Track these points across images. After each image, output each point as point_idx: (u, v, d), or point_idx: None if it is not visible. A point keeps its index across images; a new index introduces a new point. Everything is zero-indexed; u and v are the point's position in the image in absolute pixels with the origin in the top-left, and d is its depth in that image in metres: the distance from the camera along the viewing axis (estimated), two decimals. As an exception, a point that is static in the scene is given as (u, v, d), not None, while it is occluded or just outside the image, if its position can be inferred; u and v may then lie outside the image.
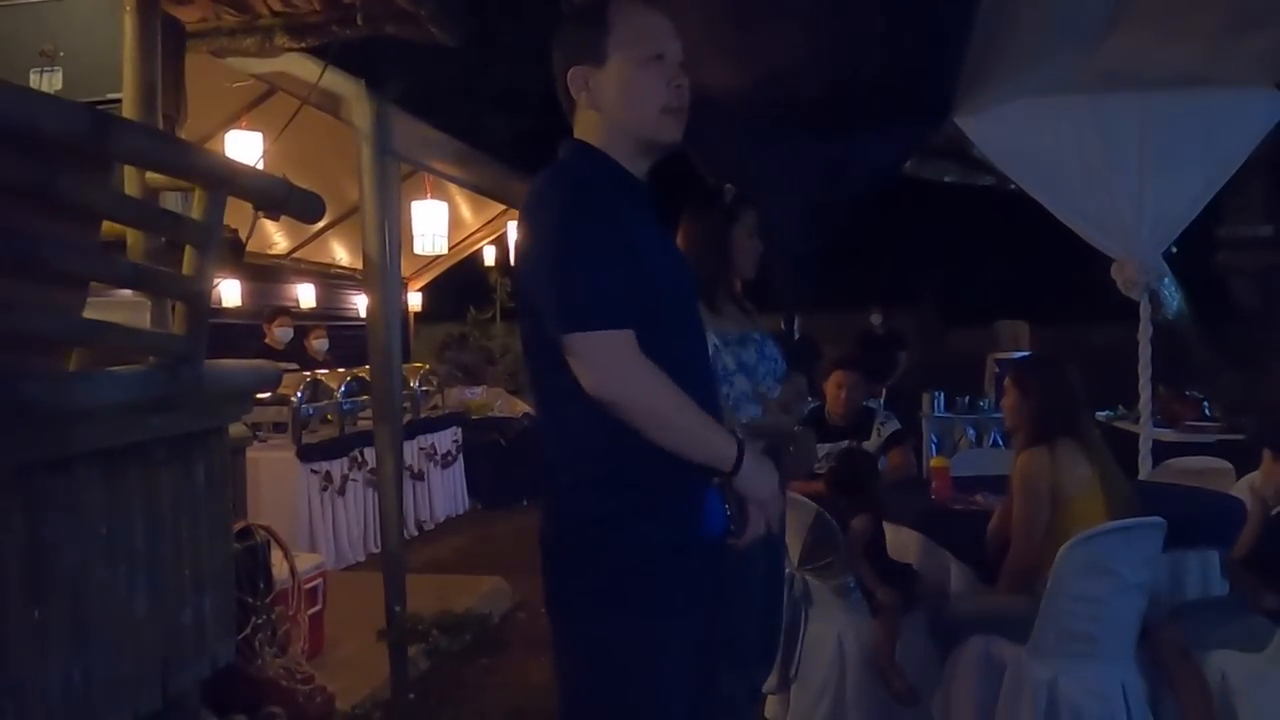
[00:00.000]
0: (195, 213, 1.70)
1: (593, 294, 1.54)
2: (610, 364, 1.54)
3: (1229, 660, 2.67)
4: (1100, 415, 6.00)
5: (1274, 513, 2.97)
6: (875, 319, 8.70)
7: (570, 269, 1.56)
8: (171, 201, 2.42)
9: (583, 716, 1.71)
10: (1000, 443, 6.67)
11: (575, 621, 1.68)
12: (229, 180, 1.71)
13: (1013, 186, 4.99)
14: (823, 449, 3.91)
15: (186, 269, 1.70)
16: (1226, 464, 4.13)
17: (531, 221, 1.65)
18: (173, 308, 2.01)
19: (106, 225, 1.73)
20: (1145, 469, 4.72)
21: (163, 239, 2.27)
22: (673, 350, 1.61)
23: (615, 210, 1.62)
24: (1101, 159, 4.40)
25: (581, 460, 1.64)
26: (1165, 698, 2.76)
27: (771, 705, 3.29)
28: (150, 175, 2.27)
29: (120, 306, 2.20)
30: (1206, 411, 6.28)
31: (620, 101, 1.66)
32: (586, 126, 1.71)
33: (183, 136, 2.70)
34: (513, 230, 7.75)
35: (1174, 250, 5.24)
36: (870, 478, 3.29)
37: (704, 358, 1.83)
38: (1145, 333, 4.82)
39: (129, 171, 2.30)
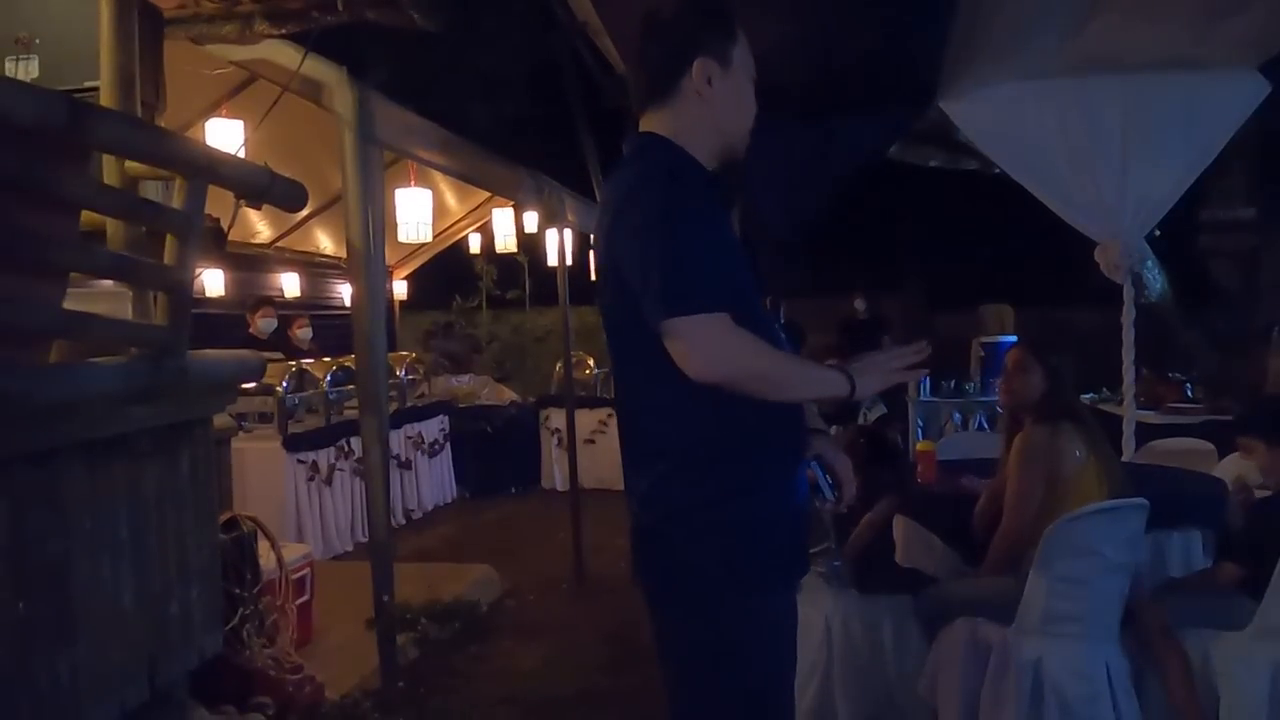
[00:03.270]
0: (176, 202, 1.69)
1: (696, 281, 1.54)
2: (712, 344, 1.54)
3: (1211, 639, 2.70)
4: (1084, 398, 6.03)
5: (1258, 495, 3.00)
6: (859, 304, 8.76)
7: (679, 259, 1.55)
8: (152, 191, 2.39)
9: (720, 708, 1.66)
10: (985, 426, 6.72)
11: (707, 605, 1.64)
12: (210, 169, 1.70)
13: (997, 171, 5.01)
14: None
15: (168, 259, 1.69)
16: (1209, 445, 4.17)
17: (636, 213, 1.61)
18: (155, 298, 2.00)
19: (86, 215, 1.72)
20: (1128, 451, 4.76)
21: (143, 229, 2.24)
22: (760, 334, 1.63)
23: (714, 204, 1.66)
24: (1084, 142, 4.41)
25: (694, 442, 1.63)
26: (1148, 676, 2.79)
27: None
28: (130, 164, 2.25)
29: (101, 297, 2.19)
30: (1189, 393, 6.32)
31: (733, 106, 1.72)
32: (679, 118, 1.69)
33: (162, 125, 2.67)
34: (498, 218, 7.72)
35: (1157, 233, 5.27)
36: (896, 450, 3.31)
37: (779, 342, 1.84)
38: (1128, 315, 4.86)
39: (108, 161, 2.28)
